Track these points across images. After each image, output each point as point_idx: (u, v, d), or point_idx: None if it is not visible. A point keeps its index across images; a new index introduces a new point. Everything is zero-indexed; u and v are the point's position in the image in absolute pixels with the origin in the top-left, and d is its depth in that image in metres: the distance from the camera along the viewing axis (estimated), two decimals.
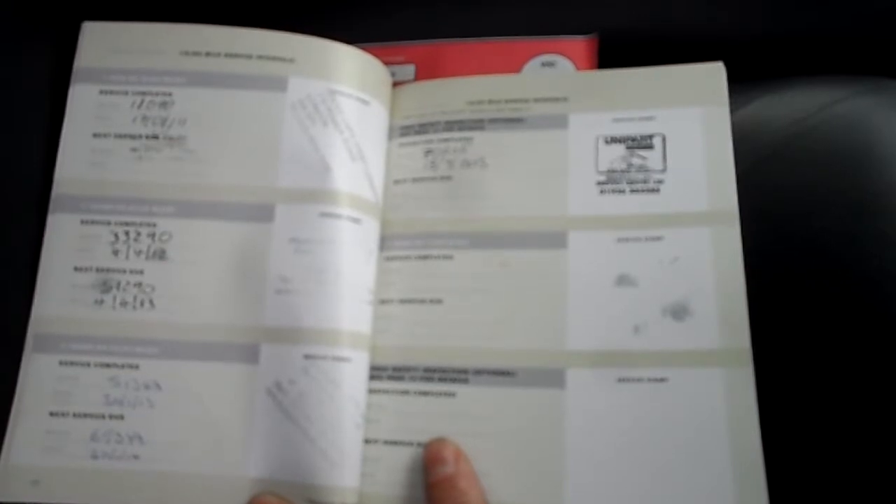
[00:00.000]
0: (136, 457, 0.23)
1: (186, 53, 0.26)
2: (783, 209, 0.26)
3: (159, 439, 0.23)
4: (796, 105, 0.27)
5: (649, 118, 0.26)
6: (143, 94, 0.26)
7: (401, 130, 0.28)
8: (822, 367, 0.24)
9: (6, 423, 0.23)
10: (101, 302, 0.24)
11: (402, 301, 0.26)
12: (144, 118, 0.26)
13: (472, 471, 0.23)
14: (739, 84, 0.27)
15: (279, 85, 0.26)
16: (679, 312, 0.24)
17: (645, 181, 0.26)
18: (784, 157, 0.26)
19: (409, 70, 0.30)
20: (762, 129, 0.27)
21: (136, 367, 0.24)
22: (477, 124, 0.27)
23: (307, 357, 0.24)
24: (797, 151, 0.26)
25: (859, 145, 0.26)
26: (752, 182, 0.25)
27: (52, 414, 0.23)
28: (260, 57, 0.26)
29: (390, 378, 0.25)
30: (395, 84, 0.29)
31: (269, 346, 0.24)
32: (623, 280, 0.25)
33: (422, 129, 0.28)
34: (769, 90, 0.28)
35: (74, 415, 0.23)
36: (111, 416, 0.23)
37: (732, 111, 0.26)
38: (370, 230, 0.26)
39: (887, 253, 0.24)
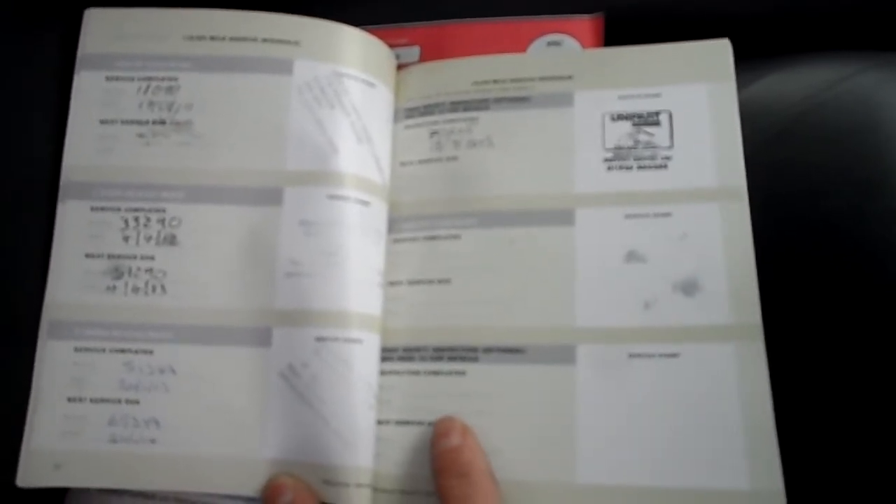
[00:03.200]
0: (153, 440, 0.23)
1: (191, 38, 0.26)
2: (791, 187, 0.25)
3: (175, 423, 0.24)
4: (804, 82, 0.27)
5: (655, 95, 0.26)
6: (149, 79, 0.26)
7: (406, 112, 0.28)
8: (831, 344, 0.24)
9: (25, 409, 0.24)
10: (114, 288, 0.25)
11: (411, 282, 0.26)
12: (151, 104, 0.26)
13: (477, 445, 0.23)
14: (746, 61, 0.26)
15: (285, 68, 0.26)
16: (689, 288, 0.24)
17: (652, 158, 0.26)
18: (792, 134, 0.26)
19: (413, 52, 0.30)
20: (770, 108, 0.27)
21: (151, 352, 0.24)
22: (482, 104, 0.27)
23: (319, 339, 0.24)
24: (805, 129, 0.26)
25: (868, 122, 0.25)
26: (760, 160, 0.25)
27: (69, 399, 0.24)
28: (265, 40, 0.26)
29: (401, 359, 0.25)
30: (400, 66, 0.29)
31: (281, 328, 0.24)
32: (632, 256, 0.25)
33: (427, 110, 0.28)
34: (776, 67, 0.28)
35: (91, 400, 0.24)
36: (127, 401, 0.24)
37: (740, 89, 0.26)
38: (378, 212, 0.26)
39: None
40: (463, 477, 0.22)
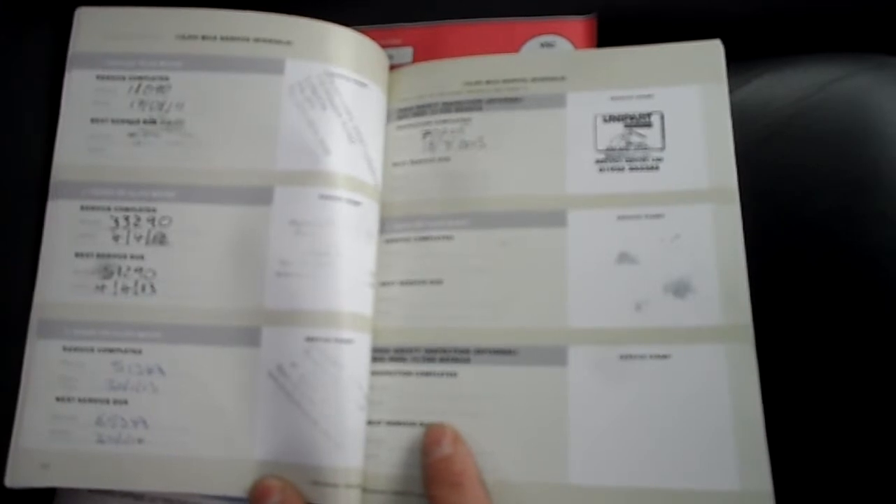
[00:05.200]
0: (140, 441, 0.23)
1: (182, 37, 0.26)
2: (784, 188, 0.26)
3: (163, 423, 0.23)
4: (796, 84, 0.27)
5: (647, 96, 0.26)
6: (140, 78, 0.26)
7: (398, 113, 0.28)
8: (822, 345, 0.24)
9: (14, 408, 0.23)
10: (103, 287, 0.24)
11: (403, 283, 0.26)
12: (142, 103, 0.26)
13: (469, 453, 0.23)
14: (739, 63, 0.27)
15: (276, 68, 0.26)
16: (681, 290, 0.24)
17: (644, 159, 0.26)
18: (784, 136, 0.26)
19: (406, 53, 0.30)
20: (762, 109, 0.27)
21: (139, 351, 0.24)
22: (474, 105, 0.27)
23: (309, 339, 0.24)
24: (797, 130, 0.26)
25: (860, 124, 0.25)
26: (752, 161, 0.25)
27: (58, 399, 0.24)
28: (257, 40, 0.26)
29: (392, 360, 0.25)
30: (393, 67, 0.29)
31: (270, 328, 0.24)
32: (624, 258, 0.25)
33: (419, 111, 0.28)
34: (769, 69, 0.28)
35: (80, 400, 0.24)
36: (115, 401, 0.24)
37: (732, 91, 0.26)
38: (370, 213, 0.26)
39: (888, 231, 0.24)
40: (455, 486, 0.22)
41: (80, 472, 0.23)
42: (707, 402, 0.23)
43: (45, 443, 0.23)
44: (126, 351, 0.24)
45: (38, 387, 0.24)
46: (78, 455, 0.23)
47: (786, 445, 0.23)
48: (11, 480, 0.23)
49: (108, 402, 0.24)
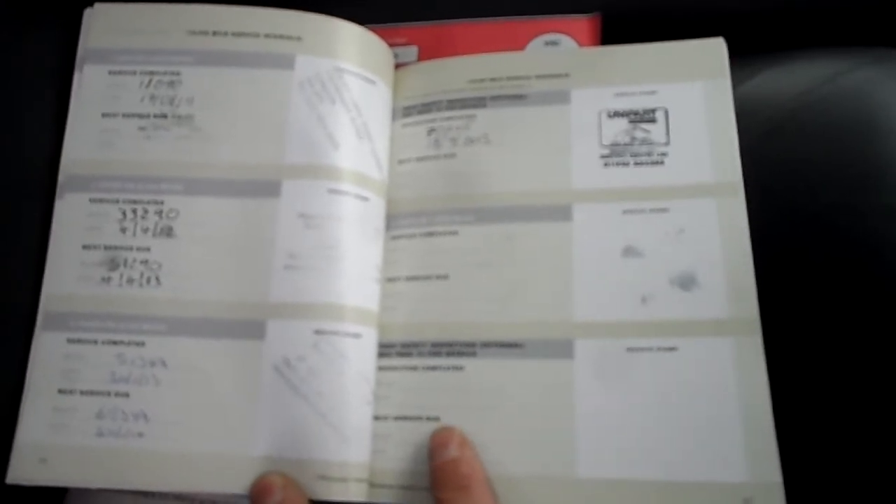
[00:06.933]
0: (140, 435, 0.23)
1: (194, 33, 0.26)
2: (788, 183, 0.26)
3: (164, 417, 0.23)
4: (800, 78, 0.27)
5: (651, 92, 0.27)
6: (152, 73, 0.26)
7: (404, 111, 0.28)
8: (828, 338, 0.24)
9: (20, 405, 0.23)
10: (109, 279, 0.24)
11: (409, 278, 0.26)
12: (153, 97, 0.26)
13: (476, 456, 0.23)
14: (743, 58, 0.27)
15: (286, 63, 0.26)
16: (686, 283, 0.24)
17: (649, 154, 0.26)
18: (788, 130, 0.26)
19: (411, 52, 0.30)
20: (766, 104, 0.27)
21: (143, 344, 0.24)
22: (479, 102, 0.28)
23: (318, 332, 0.24)
24: (801, 125, 0.26)
25: (864, 118, 0.26)
26: (756, 156, 0.25)
27: (60, 391, 0.23)
28: (267, 35, 0.26)
29: (399, 355, 0.25)
30: (398, 65, 0.29)
31: (276, 321, 0.24)
32: (629, 251, 0.25)
33: (424, 108, 0.28)
34: (772, 64, 0.28)
35: (82, 392, 0.23)
36: (117, 394, 0.23)
37: (736, 85, 0.26)
38: (377, 209, 0.26)
39: (892, 225, 0.24)
40: (462, 489, 0.22)
41: (77, 466, 0.23)
42: (715, 395, 0.23)
43: (44, 436, 0.23)
44: (129, 343, 0.24)
45: (41, 379, 0.23)
46: (76, 449, 0.23)
47: (794, 437, 0.22)
48: (12, 476, 0.22)
49: (109, 394, 0.23)
